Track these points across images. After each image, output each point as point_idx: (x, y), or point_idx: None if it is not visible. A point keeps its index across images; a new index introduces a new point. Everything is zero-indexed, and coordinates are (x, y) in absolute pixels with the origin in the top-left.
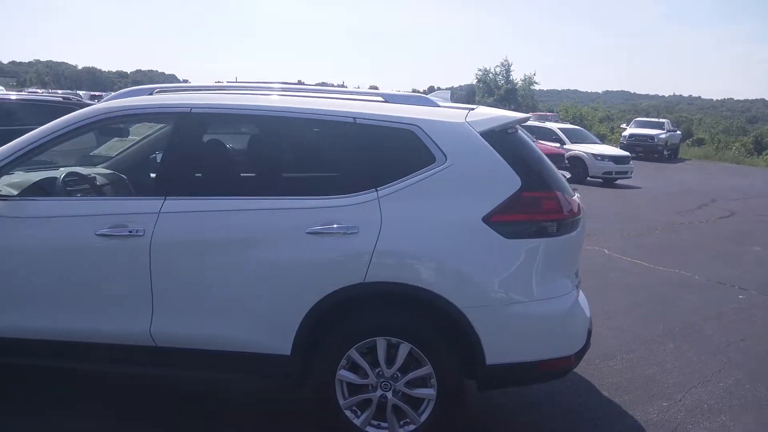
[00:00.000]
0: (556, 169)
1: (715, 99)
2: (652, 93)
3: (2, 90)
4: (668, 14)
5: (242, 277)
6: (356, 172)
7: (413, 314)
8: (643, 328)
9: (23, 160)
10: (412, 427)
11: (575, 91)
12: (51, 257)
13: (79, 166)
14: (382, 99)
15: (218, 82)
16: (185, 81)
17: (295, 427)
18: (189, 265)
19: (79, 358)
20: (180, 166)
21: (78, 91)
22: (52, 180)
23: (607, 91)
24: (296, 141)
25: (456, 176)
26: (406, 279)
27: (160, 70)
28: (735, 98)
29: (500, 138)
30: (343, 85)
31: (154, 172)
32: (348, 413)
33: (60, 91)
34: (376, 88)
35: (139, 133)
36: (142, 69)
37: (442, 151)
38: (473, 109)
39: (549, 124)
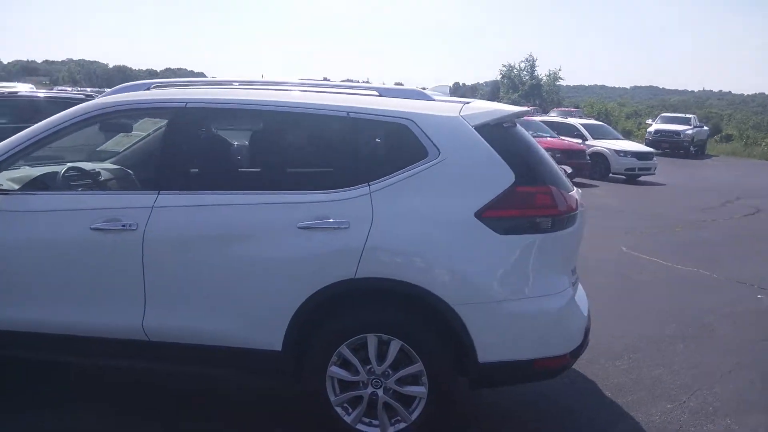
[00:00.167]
0: (553, 164)
1: (746, 94)
2: (681, 88)
3: (32, 88)
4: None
5: (233, 271)
6: (349, 166)
7: (405, 311)
8: (654, 327)
9: (22, 155)
10: (403, 425)
11: (602, 87)
12: (47, 251)
13: (86, 161)
14: (376, 93)
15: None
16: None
17: (291, 423)
18: (180, 260)
19: (73, 352)
20: (174, 160)
21: (106, 89)
22: (53, 175)
23: (636, 86)
24: (289, 135)
25: (449, 171)
26: (397, 275)
27: (189, 68)
28: (767, 93)
29: (495, 132)
30: (367, 82)
31: None
32: (339, 410)
33: (89, 89)
34: (400, 84)
35: (145, 128)
36: (172, 67)
37: (435, 146)
38: (468, 102)
39: (571, 120)
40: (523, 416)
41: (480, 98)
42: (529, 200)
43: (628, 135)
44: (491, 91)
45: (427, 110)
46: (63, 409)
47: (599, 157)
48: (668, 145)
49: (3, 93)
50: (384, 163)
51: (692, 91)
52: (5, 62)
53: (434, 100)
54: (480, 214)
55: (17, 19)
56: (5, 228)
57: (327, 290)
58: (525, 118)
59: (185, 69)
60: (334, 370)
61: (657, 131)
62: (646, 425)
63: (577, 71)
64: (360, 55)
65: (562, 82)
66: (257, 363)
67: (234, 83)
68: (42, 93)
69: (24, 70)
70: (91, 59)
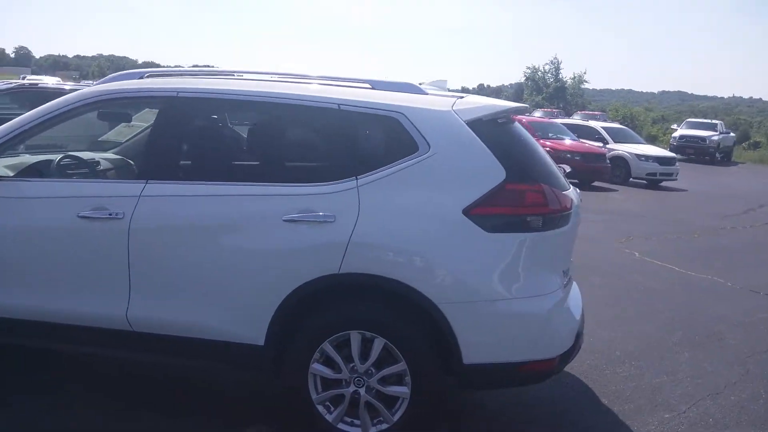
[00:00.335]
0: (549, 162)
1: None
2: (710, 94)
3: (59, 81)
4: (728, 10)
5: (217, 264)
6: (338, 159)
7: (389, 308)
8: (660, 334)
9: (14, 143)
10: (385, 425)
11: (630, 91)
12: (35, 238)
13: (88, 151)
14: (369, 86)
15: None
16: None
17: (272, 420)
18: (165, 250)
19: (58, 340)
20: (163, 149)
21: None
22: (48, 162)
23: (663, 91)
24: (279, 127)
25: (438, 166)
26: (382, 271)
27: (215, 65)
28: None
29: (488, 128)
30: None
31: None
32: (320, 408)
33: None
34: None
35: (147, 119)
36: (199, 64)
37: (426, 140)
38: (462, 97)
39: (593, 123)
40: (513, 418)
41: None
42: (519, 198)
43: (653, 140)
44: (515, 93)
45: (419, 104)
46: (47, 398)
47: (620, 161)
48: (693, 151)
49: (24, 84)
50: (373, 156)
51: (722, 98)
52: (37, 56)
53: (427, 93)
54: (468, 211)
55: (50, 15)
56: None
57: (311, 285)
58: (546, 120)
59: (212, 66)
60: (317, 367)
61: (682, 137)
62: None
63: (603, 75)
64: (383, 56)
65: (587, 86)
66: (240, 357)
67: (232, 74)
68: (68, 86)
69: (55, 65)
70: (121, 55)
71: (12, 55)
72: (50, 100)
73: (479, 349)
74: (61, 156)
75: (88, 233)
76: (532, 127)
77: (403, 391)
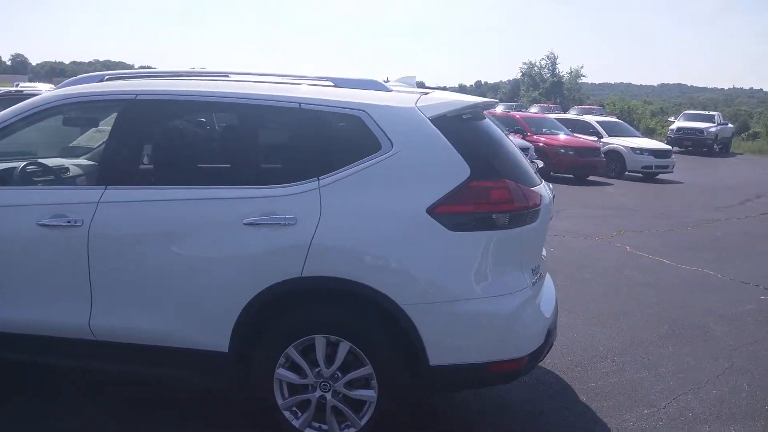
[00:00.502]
0: (518, 158)
1: None
2: (710, 86)
3: (52, 87)
4: (728, 2)
5: (177, 269)
6: (299, 160)
7: (353, 311)
8: (646, 329)
9: None
10: (353, 430)
11: (629, 85)
12: None
13: (60, 157)
14: (331, 84)
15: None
16: None
17: (238, 427)
18: (125, 257)
19: (22, 350)
20: (122, 154)
21: None
22: (11, 170)
23: (663, 84)
24: (240, 128)
25: (401, 164)
26: (345, 274)
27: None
28: None
29: (452, 124)
30: (386, 81)
31: None
32: (287, 414)
33: None
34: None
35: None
36: (196, 68)
37: (389, 138)
38: (426, 93)
39: (587, 117)
40: (486, 419)
41: (501, 96)
42: (484, 195)
43: (651, 133)
44: (511, 90)
45: (381, 101)
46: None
47: (615, 154)
48: (691, 143)
49: (10, 91)
50: (336, 156)
51: (722, 89)
52: (34, 64)
53: (390, 90)
54: (432, 210)
55: (46, 22)
56: None
57: (273, 289)
58: (540, 115)
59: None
60: (282, 372)
61: (679, 129)
62: None
63: (602, 69)
64: (379, 53)
65: (585, 80)
66: (205, 365)
67: (197, 75)
68: None
69: (52, 71)
70: (117, 60)
71: (8, 63)
72: None
73: (445, 350)
74: (24, 163)
75: (48, 241)
76: (526, 123)
77: (369, 394)
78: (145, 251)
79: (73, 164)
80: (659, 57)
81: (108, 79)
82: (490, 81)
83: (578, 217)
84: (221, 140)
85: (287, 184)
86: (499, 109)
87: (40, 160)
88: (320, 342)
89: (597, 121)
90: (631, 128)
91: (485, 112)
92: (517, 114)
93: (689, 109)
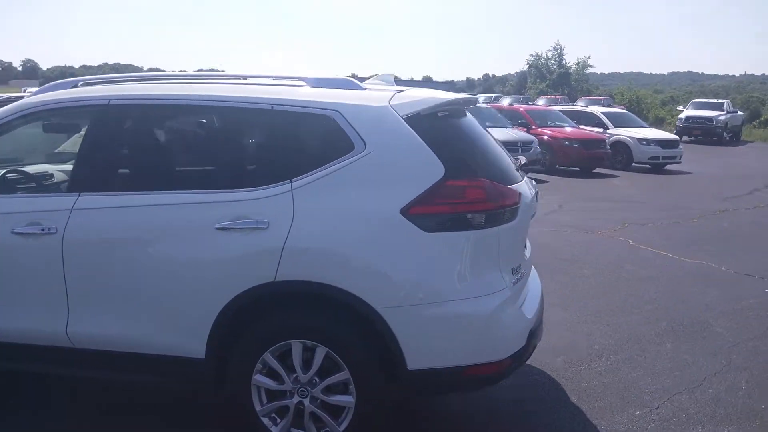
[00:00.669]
0: (496, 155)
1: None
2: (721, 73)
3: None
4: None
5: (152, 275)
6: (272, 162)
7: (329, 315)
8: (644, 325)
9: None
10: None
11: (639, 74)
12: None
13: (47, 163)
14: (304, 83)
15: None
16: None
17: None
18: (99, 264)
19: (2, 358)
20: (94, 160)
21: None
22: None
23: (673, 72)
24: (212, 130)
25: (375, 165)
26: (319, 277)
27: (221, 69)
28: None
29: (427, 122)
30: (395, 77)
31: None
32: (266, 420)
33: None
34: (430, 79)
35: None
36: (204, 68)
37: (362, 138)
38: (401, 91)
39: (592, 108)
40: (473, 420)
41: (508, 89)
42: (459, 195)
43: (660, 122)
44: (519, 82)
45: (354, 100)
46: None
47: (621, 146)
48: (700, 132)
49: (10, 97)
50: (309, 157)
51: (733, 76)
52: (44, 68)
53: (363, 89)
54: (406, 211)
55: (56, 27)
56: None
57: (247, 294)
58: (544, 108)
59: (217, 69)
60: (259, 378)
61: (688, 118)
62: None
63: (611, 59)
64: (384, 49)
65: (594, 70)
66: (182, 371)
67: (174, 78)
68: None
69: (62, 76)
70: (126, 63)
71: (19, 69)
72: None
73: (423, 353)
74: (3, 171)
75: (23, 249)
76: (530, 116)
77: (347, 400)
78: (119, 258)
79: (58, 170)
80: (669, 45)
81: (82, 85)
82: (498, 74)
83: (581, 210)
84: (194, 144)
85: (259, 188)
86: (506, 102)
87: (21, 168)
88: (296, 347)
89: (602, 113)
90: (638, 119)
91: (498, 106)
92: (521, 107)
93: (700, 97)
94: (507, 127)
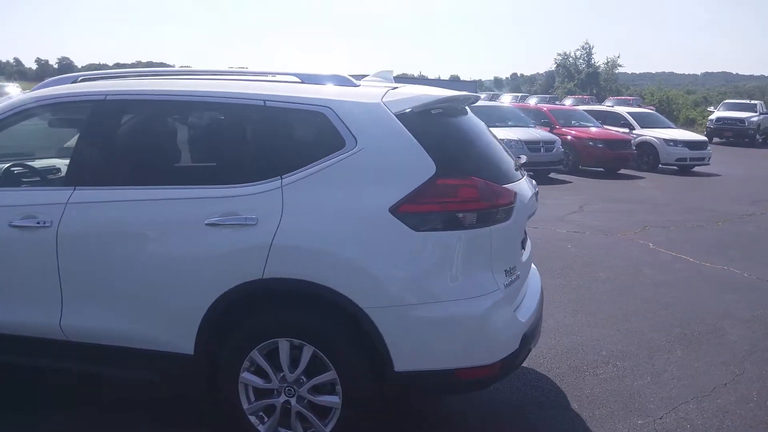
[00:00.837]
0: (493, 154)
1: None
2: (757, 73)
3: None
4: None
5: (142, 270)
6: (264, 158)
7: (316, 314)
8: (656, 331)
9: None
10: None
11: (671, 74)
12: None
13: (56, 158)
14: (298, 80)
15: None
16: None
17: (204, 428)
18: (91, 258)
19: None
20: (89, 154)
21: None
22: None
23: (707, 72)
24: (206, 126)
25: (365, 162)
26: (306, 275)
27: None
28: None
29: (420, 119)
30: (421, 75)
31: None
32: (253, 419)
33: None
34: (457, 77)
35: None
36: (233, 66)
37: (353, 135)
38: (395, 88)
39: (618, 108)
40: (468, 423)
41: (536, 88)
42: (450, 193)
43: (691, 124)
44: (546, 81)
45: (346, 97)
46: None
47: (648, 147)
48: (732, 134)
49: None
50: (299, 154)
51: None
52: (80, 66)
53: (357, 85)
54: (396, 209)
55: (92, 26)
56: None
57: (235, 291)
58: (568, 107)
59: (246, 68)
60: (247, 376)
61: (719, 119)
62: None
63: (642, 58)
64: (412, 49)
65: (624, 70)
66: (171, 367)
67: (174, 74)
68: None
69: None
70: (159, 60)
71: (56, 66)
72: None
73: (411, 355)
74: (8, 165)
75: (20, 242)
76: (553, 116)
77: (334, 400)
78: (110, 252)
79: (65, 165)
80: (703, 45)
81: (82, 80)
82: (527, 73)
83: (602, 212)
84: (187, 139)
85: (250, 184)
86: (532, 101)
87: (27, 162)
88: (284, 346)
89: (629, 113)
90: (665, 119)
91: (524, 105)
92: (545, 106)
93: (734, 98)
94: (529, 127)
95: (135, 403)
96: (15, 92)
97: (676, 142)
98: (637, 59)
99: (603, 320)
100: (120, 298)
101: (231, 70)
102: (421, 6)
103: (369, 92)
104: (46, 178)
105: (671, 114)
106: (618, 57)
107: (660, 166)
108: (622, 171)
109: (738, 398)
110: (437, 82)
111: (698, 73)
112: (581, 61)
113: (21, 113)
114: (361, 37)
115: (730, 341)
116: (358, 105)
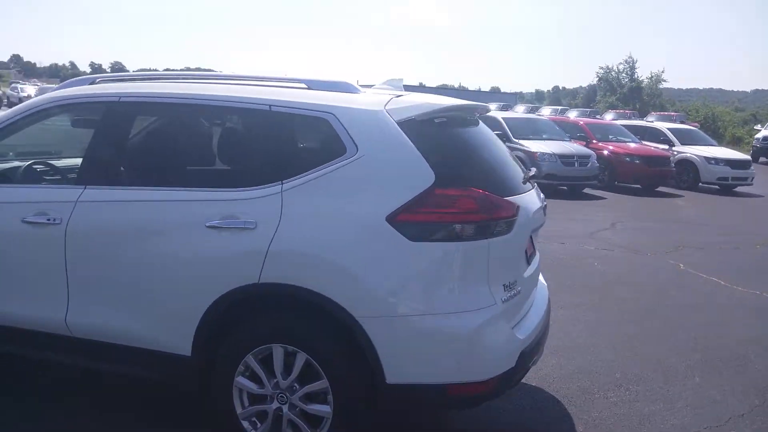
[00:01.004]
0: (498, 165)
1: None
2: None
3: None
4: None
5: (143, 270)
6: (267, 162)
7: (310, 321)
8: (674, 356)
9: None
10: None
11: (719, 90)
12: None
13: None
14: (304, 86)
15: None
16: None
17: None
18: (96, 256)
19: (4, 342)
20: (101, 154)
21: None
22: (15, 169)
23: (757, 89)
24: (212, 129)
25: (365, 169)
26: (301, 281)
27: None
28: None
29: (422, 128)
30: (461, 87)
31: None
32: (246, 424)
33: None
34: (498, 89)
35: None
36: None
37: (354, 142)
38: (400, 95)
39: (658, 124)
40: None
41: (577, 102)
42: (448, 204)
43: (737, 142)
44: (588, 95)
45: (350, 104)
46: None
47: (688, 164)
48: None
49: None
50: (301, 160)
51: None
52: (131, 70)
53: (361, 92)
54: (393, 218)
55: (143, 31)
56: None
57: (232, 294)
58: (605, 122)
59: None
60: (241, 381)
61: (765, 138)
62: None
63: (689, 74)
64: (455, 61)
65: (669, 85)
66: (169, 367)
67: (189, 78)
68: None
69: None
70: (207, 66)
71: (108, 70)
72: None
73: (403, 367)
74: (29, 162)
75: (31, 238)
76: (590, 130)
77: (325, 410)
78: (113, 250)
79: None
80: (754, 60)
81: (99, 82)
82: (569, 86)
83: (634, 230)
84: (193, 142)
85: (251, 188)
86: (572, 115)
87: (49, 160)
88: (278, 351)
89: (669, 129)
90: (707, 136)
91: (563, 118)
92: (581, 120)
93: None
94: (564, 140)
95: (131, 403)
96: (32, 91)
97: (717, 161)
98: (683, 74)
99: (621, 342)
100: (122, 296)
101: (240, 75)
102: (465, 18)
103: (372, 99)
104: (66, 176)
105: (716, 132)
106: (662, 72)
107: (700, 184)
108: (660, 189)
109: (755, 430)
110: (477, 94)
111: (748, 90)
112: (624, 75)
113: (38, 113)
114: (404, 49)
115: (754, 370)
116: (360, 112)
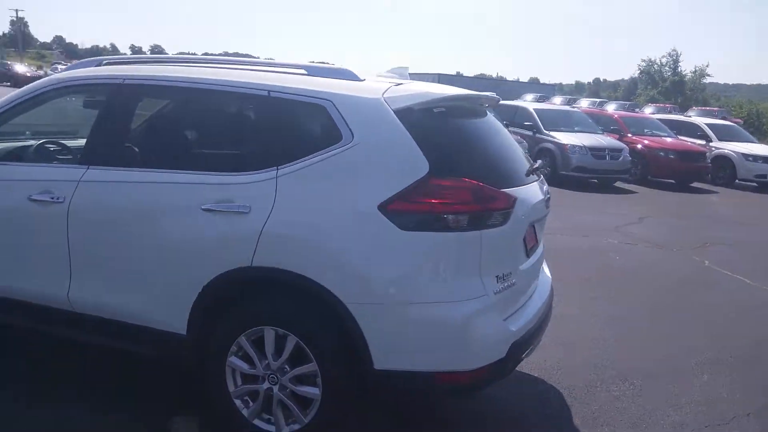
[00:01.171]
0: (497, 156)
1: None
2: None
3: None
4: None
5: (141, 249)
6: (264, 148)
7: (300, 305)
8: (686, 353)
9: None
10: (297, 426)
11: (767, 86)
12: None
13: None
14: (304, 72)
15: None
16: None
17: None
18: (97, 234)
19: (6, 312)
20: (104, 135)
21: None
22: (27, 148)
23: None
24: (211, 113)
25: (359, 157)
26: (292, 266)
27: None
28: None
29: (419, 117)
30: (499, 77)
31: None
32: (238, 402)
33: None
34: (536, 80)
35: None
36: (315, 61)
37: (350, 129)
38: (399, 84)
39: (695, 119)
40: (461, 429)
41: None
42: (442, 194)
43: None
44: (628, 88)
45: (348, 91)
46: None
47: (725, 161)
48: None
49: None
50: (297, 146)
51: None
52: (170, 53)
53: (361, 80)
54: (385, 207)
55: (181, 16)
56: None
57: (226, 277)
58: (640, 115)
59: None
60: (234, 360)
61: None
62: None
63: (736, 68)
64: (496, 52)
65: (714, 80)
66: (165, 345)
67: (193, 61)
68: None
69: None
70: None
71: (147, 53)
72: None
73: (391, 354)
74: (41, 142)
75: (36, 215)
76: (624, 123)
77: (314, 392)
78: (113, 229)
79: None
80: None
81: (106, 64)
82: (610, 78)
83: (662, 225)
84: (192, 125)
85: (246, 172)
86: (610, 107)
87: (62, 140)
88: (269, 334)
89: (707, 124)
90: (746, 133)
91: (601, 111)
92: (616, 113)
93: None
94: (596, 133)
95: (123, 383)
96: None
97: (755, 158)
98: (729, 69)
99: (632, 337)
100: (121, 275)
101: (241, 59)
102: (509, 7)
103: (371, 87)
104: (76, 156)
105: (760, 129)
106: (707, 66)
107: (737, 181)
108: (694, 185)
109: (758, 431)
110: (514, 84)
111: None
112: (667, 68)
113: (43, 94)
114: (444, 36)
115: (765, 370)
116: (358, 99)
